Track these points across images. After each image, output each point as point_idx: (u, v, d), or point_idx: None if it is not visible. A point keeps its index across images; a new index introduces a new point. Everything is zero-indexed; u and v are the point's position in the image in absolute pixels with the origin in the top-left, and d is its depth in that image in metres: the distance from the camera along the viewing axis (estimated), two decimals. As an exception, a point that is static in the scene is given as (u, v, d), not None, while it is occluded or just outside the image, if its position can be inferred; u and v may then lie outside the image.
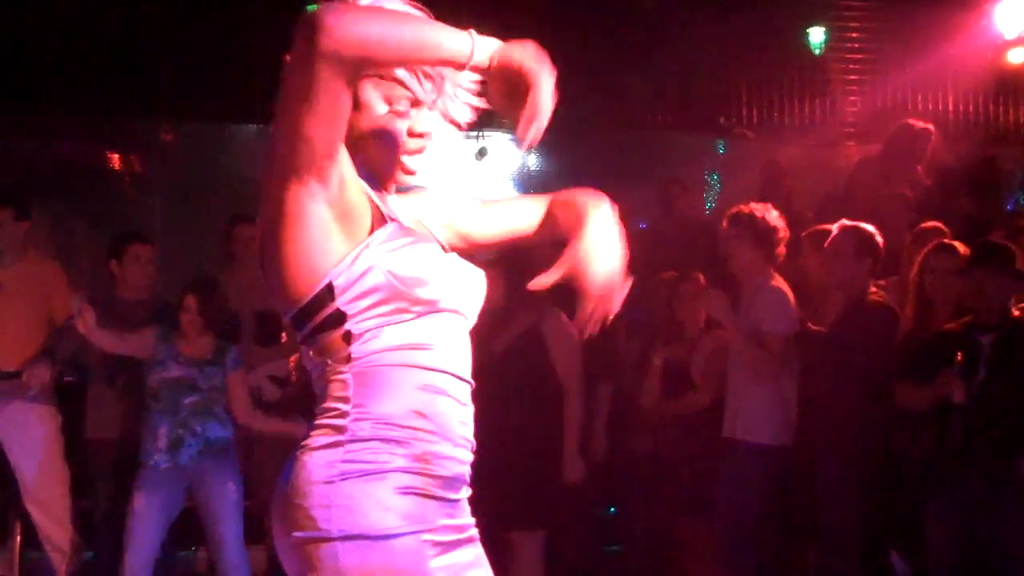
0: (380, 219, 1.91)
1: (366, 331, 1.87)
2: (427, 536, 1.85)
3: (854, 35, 7.96)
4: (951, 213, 5.72)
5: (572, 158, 7.71)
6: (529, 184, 8.20)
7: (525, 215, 2.20)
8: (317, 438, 1.86)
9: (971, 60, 7.58)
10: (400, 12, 1.89)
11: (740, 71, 7.74)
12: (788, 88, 7.95)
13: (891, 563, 4.91)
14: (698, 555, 5.21)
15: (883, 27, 7.80)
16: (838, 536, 4.66)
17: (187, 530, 5.20)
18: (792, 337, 4.84)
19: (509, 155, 8.19)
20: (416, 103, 1.97)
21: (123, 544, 4.78)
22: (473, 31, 1.84)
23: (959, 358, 4.18)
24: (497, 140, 7.90)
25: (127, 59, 6.90)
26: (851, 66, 7.95)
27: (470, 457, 1.97)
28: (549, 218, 2.14)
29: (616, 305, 1.92)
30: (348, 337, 1.87)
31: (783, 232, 4.92)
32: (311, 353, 1.92)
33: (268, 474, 4.82)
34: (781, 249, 4.95)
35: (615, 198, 2.02)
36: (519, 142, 1.85)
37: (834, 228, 4.86)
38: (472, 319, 2.03)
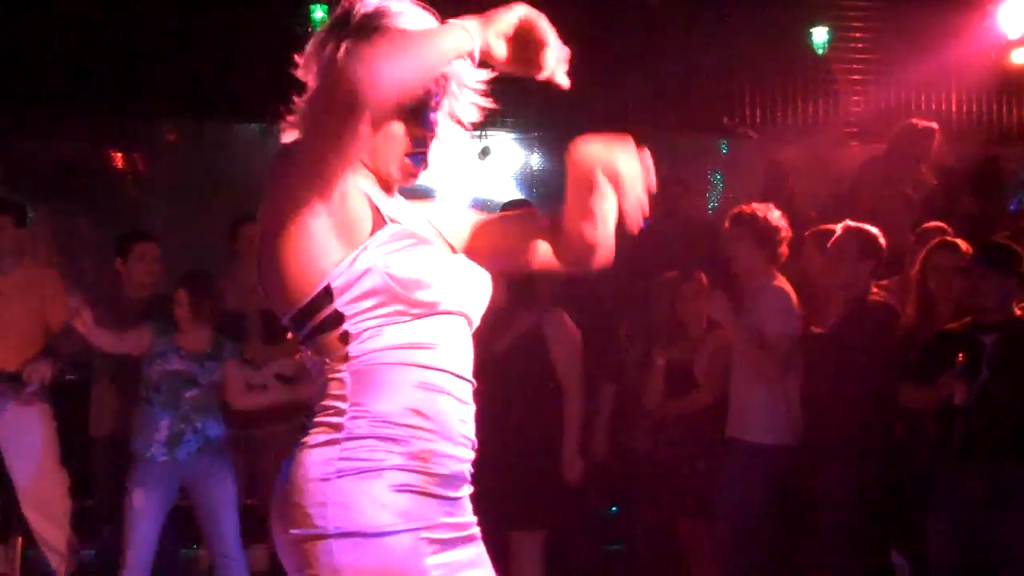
0: (380, 221, 1.91)
1: (364, 331, 1.87)
2: (424, 534, 1.85)
3: (857, 35, 7.94)
4: (954, 213, 5.72)
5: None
6: (532, 183, 8.19)
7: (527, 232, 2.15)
8: (315, 436, 1.87)
9: (974, 60, 7.56)
10: (410, 32, 1.90)
11: (743, 71, 7.71)
12: (791, 88, 7.92)
13: (891, 563, 4.91)
14: (700, 554, 5.20)
15: (886, 27, 7.77)
16: (838, 536, 4.66)
17: (188, 529, 5.22)
18: (795, 337, 4.83)
19: (512, 155, 8.19)
20: (421, 104, 1.97)
21: (123, 541, 4.78)
22: (459, 21, 1.84)
23: (960, 359, 4.17)
24: (500, 140, 7.89)
25: (129, 58, 6.89)
26: (854, 66, 7.92)
27: (471, 455, 1.97)
28: (574, 187, 2.02)
29: (651, 182, 1.95)
30: (345, 337, 1.88)
31: (785, 232, 4.91)
32: (310, 352, 1.93)
33: (270, 472, 4.83)
34: (783, 249, 4.94)
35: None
36: (556, 79, 1.89)
37: (837, 228, 4.86)
38: (476, 320, 2.03)
